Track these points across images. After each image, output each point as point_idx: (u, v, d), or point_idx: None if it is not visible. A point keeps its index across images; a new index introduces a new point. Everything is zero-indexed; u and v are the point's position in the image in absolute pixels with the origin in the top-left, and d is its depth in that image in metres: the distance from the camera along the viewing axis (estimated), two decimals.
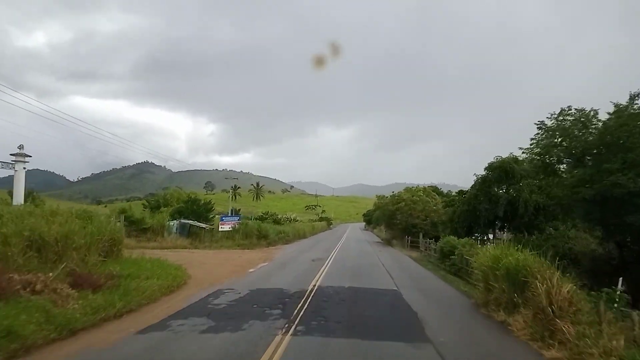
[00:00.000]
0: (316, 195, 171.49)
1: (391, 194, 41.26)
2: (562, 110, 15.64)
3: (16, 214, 11.17)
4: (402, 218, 35.56)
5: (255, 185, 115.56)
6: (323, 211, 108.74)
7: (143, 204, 39.23)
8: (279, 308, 8.91)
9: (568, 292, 7.94)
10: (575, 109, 15.45)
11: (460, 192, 27.54)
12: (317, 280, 13.00)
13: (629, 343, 6.47)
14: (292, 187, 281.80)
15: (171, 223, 26.58)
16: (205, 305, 9.19)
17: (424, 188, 38.57)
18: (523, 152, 17.52)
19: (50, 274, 8.60)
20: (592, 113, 15.19)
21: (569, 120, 15.49)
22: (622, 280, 10.15)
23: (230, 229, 28.96)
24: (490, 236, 25.33)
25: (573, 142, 14.95)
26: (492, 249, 10.50)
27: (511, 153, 23.17)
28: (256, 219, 51.03)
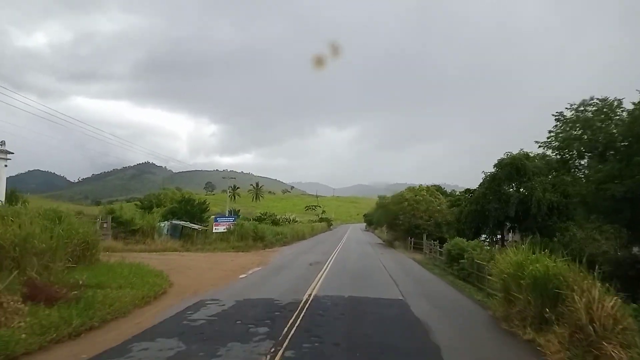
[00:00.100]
0: (317, 196, 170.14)
1: (394, 194, 39.87)
2: (583, 100, 14.27)
3: None
4: (404, 218, 34.17)
5: (255, 186, 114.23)
6: (323, 212, 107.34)
7: (136, 205, 37.96)
8: (266, 325, 7.56)
9: (612, 307, 6.59)
10: (598, 99, 14.08)
11: (467, 191, 26.19)
12: (314, 289, 11.64)
13: None
14: (292, 187, 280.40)
15: (162, 224, 25.26)
16: (180, 322, 7.83)
17: (428, 187, 37.16)
18: (540, 146, 16.13)
19: None
20: (615, 103, 13.82)
21: (591, 111, 14.11)
22: None
23: (225, 230, 27.63)
24: (499, 237, 23.97)
25: (595, 134, 13.57)
26: (513, 254, 9.13)
27: (521, 149, 21.81)
28: (254, 219, 49.79)
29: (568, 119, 14.68)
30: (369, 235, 65.36)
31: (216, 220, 27.96)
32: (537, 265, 8.06)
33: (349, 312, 8.92)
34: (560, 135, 15.09)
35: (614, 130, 13.20)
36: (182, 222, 26.02)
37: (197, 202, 31.49)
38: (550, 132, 15.65)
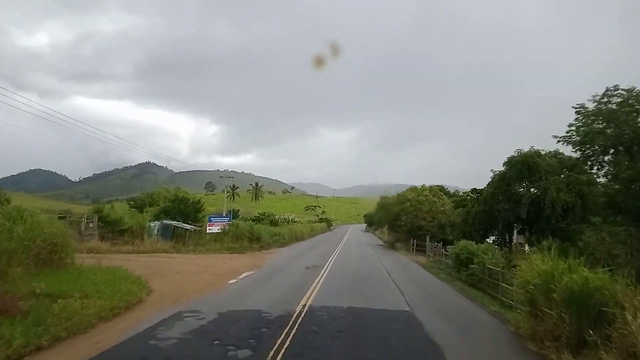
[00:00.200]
0: (317, 196, 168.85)
1: (396, 193, 38.55)
2: (607, 90, 12.96)
3: None
4: (406, 219, 32.88)
5: (254, 185, 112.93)
6: (323, 212, 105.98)
7: (129, 204, 36.71)
8: (249, 346, 6.28)
9: None
10: (623, 89, 12.78)
11: (474, 191, 24.90)
12: (309, 298, 10.35)
13: None
14: (293, 188, 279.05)
15: (152, 224, 23.98)
16: (146, 341, 6.56)
17: (431, 187, 35.87)
18: (559, 141, 14.79)
19: None
20: None
21: (615, 102, 12.82)
22: None
23: (219, 231, 26.34)
24: (507, 240, 22.62)
25: (621, 127, 12.28)
26: (541, 262, 7.85)
27: (532, 147, 20.48)
28: (252, 219, 48.48)
29: (590, 111, 13.40)
30: (370, 236, 64.03)
31: (210, 220, 26.67)
32: (573, 276, 6.79)
33: (349, 329, 7.63)
34: (582, 129, 13.80)
35: None
36: (173, 222, 24.76)
37: (191, 201, 30.18)
38: (570, 125, 14.36)
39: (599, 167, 14.36)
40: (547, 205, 18.00)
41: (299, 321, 7.87)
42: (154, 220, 26.00)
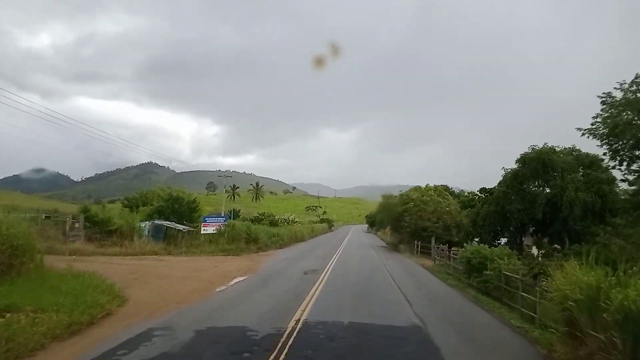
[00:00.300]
0: (318, 197, 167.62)
1: (399, 193, 37.20)
2: (637, 76, 11.59)
3: None
4: (410, 220, 31.51)
5: (255, 185, 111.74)
6: (324, 212, 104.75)
7: (122, 203, 35.55)
8: None
9: None
10: None
11: (483, 191, 23.53)
12: (304, 310, 9.04)
13: None
14: (294, 188, 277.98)
15: (142, 225, 22.74)
16: None
17: (435, 187, 34.50)
18: (583, 134, 13.41)
19: None
20: None
21: None
22: None
23: (215, 231, 25.09)
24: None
25: None
26: (582, 272, 6.51)
27: (546, 143, 19.08)
28: (251, 220, 47.27)
29: (618, 101, 12.07)
30: (372, 237, 62.70)
31: (204, 221, 25.42)
32: (629, 292, 5.47)
33: (350, 354, 6.32)
34: (609, 120, 12.46)
35: None
36: (165, 222, 23.51)
37: (186, 200, 28.94)
38: (595, 117, 13.00)
39: (629, 161, 12.96)
40: (564, 206, 16.63)
41: (289, 342, 6.56)
42: (147, 220, 24.79)
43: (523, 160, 18.53)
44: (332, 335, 7.20)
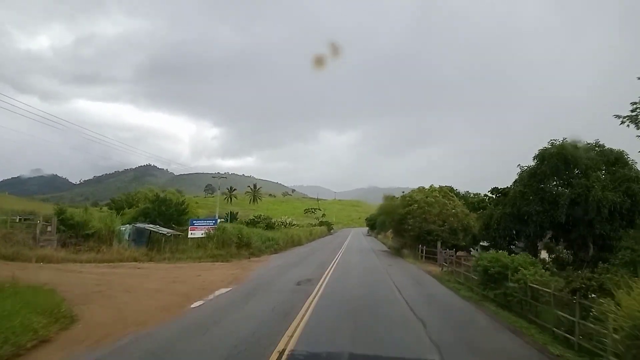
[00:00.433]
0: (317, 199, 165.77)
1: (400, 195, 35.34)
2: None
3: None
4: (414, 223, 29.64)
5: (252, 187, 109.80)
6: (323, 215, 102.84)
7: (107, 205, 33.69)
8: None
9: None
10: None
11: (494, 191, 21.74)
12: (292, 336, 7.18)
13: None
14: (293, 190, 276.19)
15: (122, 228, 20.87)
16: None
17: (440, 188, 32.67)
18: (622, 122, 11.61)
19: None
20: None
21: None
22: None
23: (203, 235, 23.25)
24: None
25: None
26: None
27: (565, 138, 17.26)
28: (247, 223, 45.36)
29: None
30: (372, 241, 60.82)
31: (192, 224, 23.57)
32: None
33: None
34: None
35: None
36: (148, 226, 21.64)
37: (174, 202, 27.07)
38: (634, 104, 11.20)
39: None
40: (591, 207, 14.80)
41: None
42: (131, 223, 22.93)
43: (542, 156, 16.69)
44: None
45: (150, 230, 21.38)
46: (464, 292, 14.22)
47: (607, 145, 17.14)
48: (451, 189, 35.10)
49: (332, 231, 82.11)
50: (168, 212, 25.89)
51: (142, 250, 19.98)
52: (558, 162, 16.02)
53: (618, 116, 11.48)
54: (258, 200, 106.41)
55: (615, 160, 16.56)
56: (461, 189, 36.84)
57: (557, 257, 20.51)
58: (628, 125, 11.27)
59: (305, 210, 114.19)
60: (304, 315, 8.88)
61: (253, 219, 48.17)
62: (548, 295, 10.33)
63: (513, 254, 12.65)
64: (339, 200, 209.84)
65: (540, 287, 10.32)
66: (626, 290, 5.55)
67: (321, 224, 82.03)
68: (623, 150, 15.76)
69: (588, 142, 17.15)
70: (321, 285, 13.43)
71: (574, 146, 16.59)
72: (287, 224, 50.27)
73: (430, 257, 27.67)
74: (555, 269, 13.36)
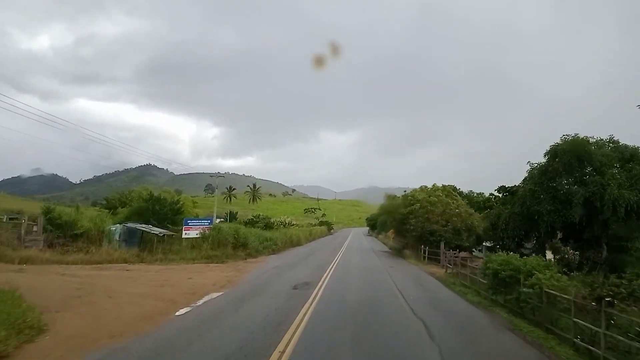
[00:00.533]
0: (317, 199, 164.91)
1: (402, 194, 34.42)
2: None
3: None
4: (416, 223, 28.75)
5: (252, 187, 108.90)
6: (323, 215, 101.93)
7: (101, 204, 32.83)
8: None
9: None
10: None
11: (502, 190, 20.78)
12: (284, 352, 6.31)
13: None
14: (294, 190, 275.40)
15: (113, 228, 20.01)
16: None
17: (443, 187, 31.77)
18: None
19: None
20: None
21: None
22: None
23: (198, 235, 22.40)
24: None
25: None
26: None
27: (577, 134, 16.34)
28: (245, 222, 44.49)
29: None
30: (373, 241, 59.96)
31: (186, 223, 22.71)
32: None
33: None
34: None
35: None
36: (140, 226, 20.78)
37: (169, 201, 26.21)
38: None
39: None
40: (606, 206, 13.91)
41: None
42: (123, 223, 22.04)
43: (554, 152, 15.75)
44: None
45: (142, 230, 20.52)
46: (471, 297, 13.35)
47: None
48: (454, 188, 34.21)
49: (332, 231, 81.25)
50: (162, 211, 25.02)
51: (133, 251, 19.12)
52: (571, 159, 15.10)
53: None
54: (258, 200, 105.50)
55: (631, 157, 15.67)
56: (462, 188, 35.97)
57: (563, 257, 19.63)
58: None
59: (305, 210, 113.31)
60: (299, 325, 8.02)
61: (251, 219, 47.30)
62: (567, 302, 9.47)
63: (525, 256, 11.77)
64: (340, 200, 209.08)
65: (558, 294, 9.45)
66: None
67: (321, 223, 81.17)
68: (639, 147, 14.86)
69: (600, 137, 16.25)
70: (319, 289, 12.55)
71: (587, 142, 15.69)
72: (286, 223, 49.39)
73: (433, 258, 26.80)
74: (564, 271, 12.47)
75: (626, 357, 6.88)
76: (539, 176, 16.20)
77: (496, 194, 24.75)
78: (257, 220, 45.92)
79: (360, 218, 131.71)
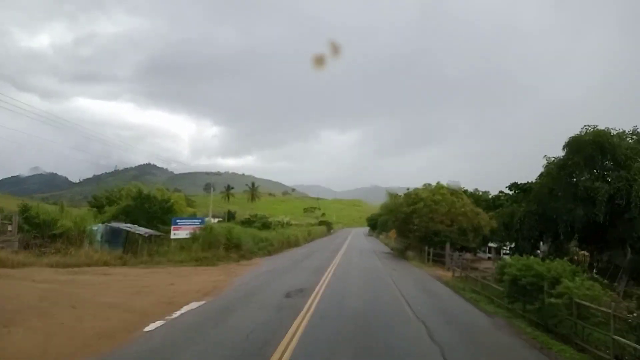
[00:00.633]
0: (317, 199, 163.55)
1: (404, 192, 33.02)
2: None
3: None
4: (420, 223, 27.41)
5: (251, 186, 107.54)
6: (323, 214, 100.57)
7: (89, 203, 31.49)
8: None
9: None
10: None
11: (514, 187, 19.34)
12: None
13: None
14: (293, 189, 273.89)
15: (94, 228, 18.65)
16: None
17: (448, 185, 30.39)
18: None
19: None
20: None
21: None
22: None
23: (188, 236, 21.04)
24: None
25: None
26: None
27: (596, 126, 14.92)
28: (242, 222, 43.18)
29: None
30: (374, 241, 58.60)
31: (175, 223, 21.34)
32: None
33: None
34: None
35: None
36: (124, 225, 19.41)
37: (159, 199, 24.81)
38: None
39: None
40: (633, 204, 12.53)
41: None
42: (105, 223, 20.67)
43: (576, 144, 14.27)
44: None
45: (127, 231, 19.15)
46: (484, 305, 11.99)
47: None
48: (459, 187, 32.80)
49: (332, 231, 79.90)
50: (152, 210, 23.64)
51: (116, 253, 17.76)
52: (594, 152, 13.69)
53: None
54: (257, 199, 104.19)
55: None
56: (466, 187, 34.59)
57: (572, 259, 18.28)
58: None
59: (304, 209, 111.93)
60: (287, 346, 6.65)
61: (248, 218, 46.03)
62: (603, 315, 8.12)
63: (547, 260, 10.40)
64: (340, 199, 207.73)
65: (592, 306, 8.08)
66: None
67: (321, 223, 79.84)
68: None
69: (622, 129, 14.80)
70: (315, 298, 11.18)
71: (609, 133, 14.26)
72: (284, 223, 48.06)
73: (438, 261, 25.47)
74: (596, 278, 11.12)
75: None
76: (557, 172, 14.80)
77: (506, 191, 23.27)
78: (254, 219, 44.64)
79: (360, 218, 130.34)
